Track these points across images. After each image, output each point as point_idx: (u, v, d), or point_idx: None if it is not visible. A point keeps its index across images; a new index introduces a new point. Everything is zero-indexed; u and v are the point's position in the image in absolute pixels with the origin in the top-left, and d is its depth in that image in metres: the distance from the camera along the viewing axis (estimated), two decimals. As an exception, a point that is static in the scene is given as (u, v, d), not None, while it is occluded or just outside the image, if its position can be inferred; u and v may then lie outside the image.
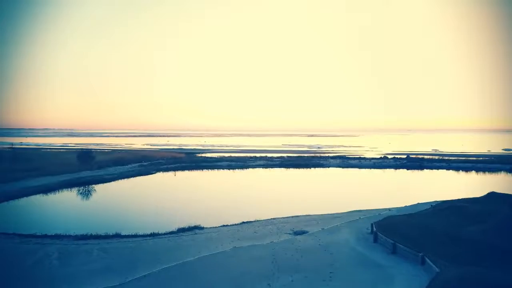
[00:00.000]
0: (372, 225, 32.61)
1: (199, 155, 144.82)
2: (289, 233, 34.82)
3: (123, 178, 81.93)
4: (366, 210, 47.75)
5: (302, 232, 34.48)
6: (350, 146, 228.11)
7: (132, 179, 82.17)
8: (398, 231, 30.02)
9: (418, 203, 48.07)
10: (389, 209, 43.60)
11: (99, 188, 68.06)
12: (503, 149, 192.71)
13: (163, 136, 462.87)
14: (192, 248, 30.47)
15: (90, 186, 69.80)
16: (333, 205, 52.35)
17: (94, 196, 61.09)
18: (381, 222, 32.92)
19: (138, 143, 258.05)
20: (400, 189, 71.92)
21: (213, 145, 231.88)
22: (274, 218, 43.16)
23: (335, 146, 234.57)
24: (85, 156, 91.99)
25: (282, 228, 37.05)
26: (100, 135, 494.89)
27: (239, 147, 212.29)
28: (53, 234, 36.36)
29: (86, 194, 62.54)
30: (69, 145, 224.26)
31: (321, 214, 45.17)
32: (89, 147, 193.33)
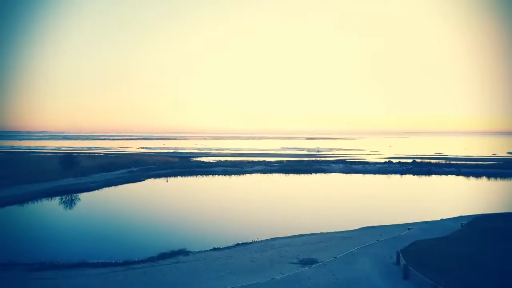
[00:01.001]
0: (398, 254, 26.04)
1: (194, 159, 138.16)
2: (294, 262, 28.19)
3: (109, 186, 75.01)
4: (380, 226, 41.29)
5: (310, 261, 27.86)
6: (350, 150, 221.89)
7: (118, 187, 75.32)
8: (433, 263, 23.48)
9: (442, 219, 41.63)
10: (409, 228, 37.03)
11: (78, 199, 61.22)
12: (508, 153, 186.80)
13: (163, 139, 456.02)
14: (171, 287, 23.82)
15: (69, 196, 62.88)
16: (341, 220, 45.84)
17: (69, 209, 54.24)
18: (409, 249, 26.36)
19: (133, 146, 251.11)
20: (413, 198, 65.41)
21: (209, 149, 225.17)
22: (274, 239, 36.55)
23: (335, 149, 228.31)
24: (68, 162, 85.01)
25: (284, 254, 30.42)
26: (97, 138, 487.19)
27: (236, 150, 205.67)
28: (4, 262, 29.63)
29: (60, 207, 55.61)
30: (62, 148, 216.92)
31: (329, 233, 38.60)
32: (81, 151, 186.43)
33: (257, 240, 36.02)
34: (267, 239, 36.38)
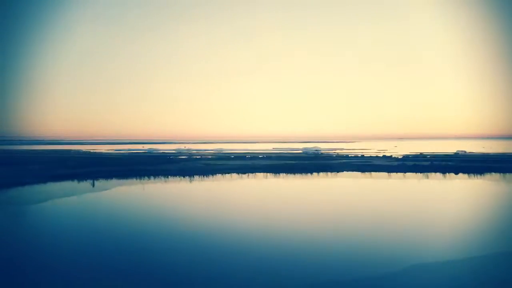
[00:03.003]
0: None
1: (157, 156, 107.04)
2: None
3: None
4: (435, 265, 10.84)
5: None
6: (354, 149, 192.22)
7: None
8: None
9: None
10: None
11: None
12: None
13: (158, 143, 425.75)
14: None
15: None
16: (374, 254, 15.12)
17: None
18: None
19: (103, 149, 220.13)
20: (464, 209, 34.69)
21: (189, 149, 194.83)
22: None
23: (337, 149, 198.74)
24: None
25: None
26: (90, 142, 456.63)
27: (219, 151, 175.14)
28: None
29: None
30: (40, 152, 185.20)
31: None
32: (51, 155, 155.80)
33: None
34: None
